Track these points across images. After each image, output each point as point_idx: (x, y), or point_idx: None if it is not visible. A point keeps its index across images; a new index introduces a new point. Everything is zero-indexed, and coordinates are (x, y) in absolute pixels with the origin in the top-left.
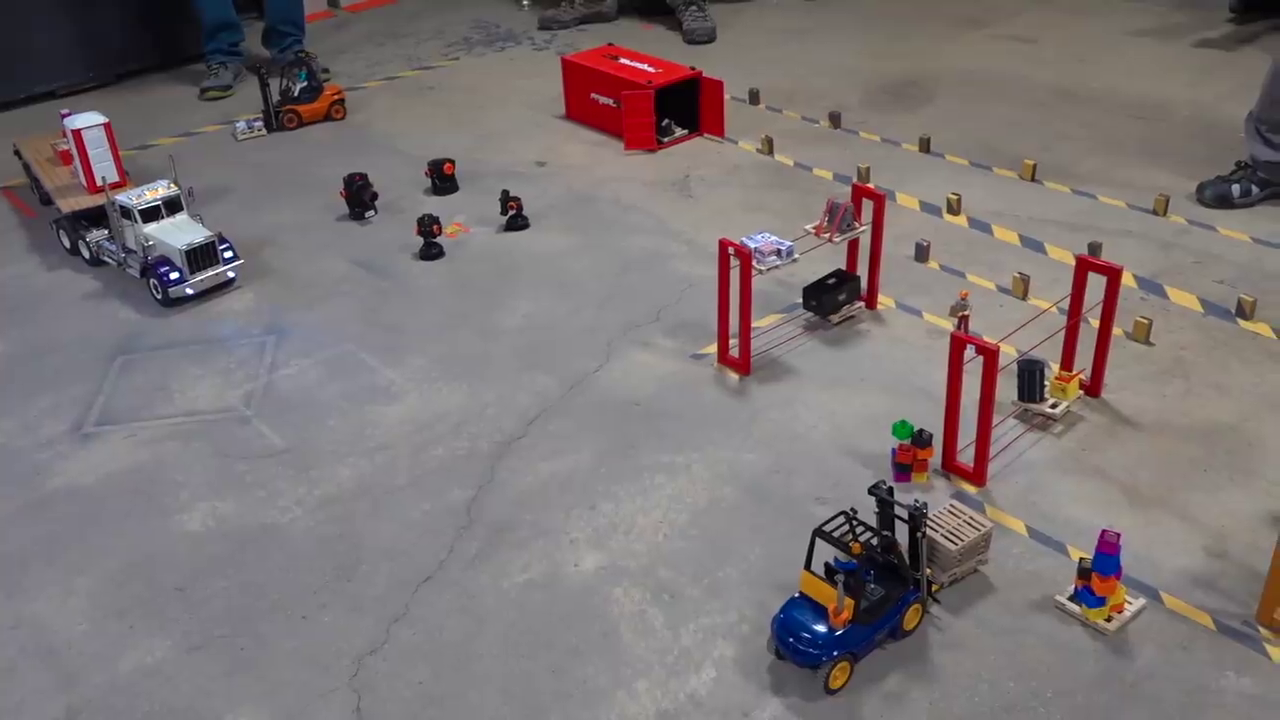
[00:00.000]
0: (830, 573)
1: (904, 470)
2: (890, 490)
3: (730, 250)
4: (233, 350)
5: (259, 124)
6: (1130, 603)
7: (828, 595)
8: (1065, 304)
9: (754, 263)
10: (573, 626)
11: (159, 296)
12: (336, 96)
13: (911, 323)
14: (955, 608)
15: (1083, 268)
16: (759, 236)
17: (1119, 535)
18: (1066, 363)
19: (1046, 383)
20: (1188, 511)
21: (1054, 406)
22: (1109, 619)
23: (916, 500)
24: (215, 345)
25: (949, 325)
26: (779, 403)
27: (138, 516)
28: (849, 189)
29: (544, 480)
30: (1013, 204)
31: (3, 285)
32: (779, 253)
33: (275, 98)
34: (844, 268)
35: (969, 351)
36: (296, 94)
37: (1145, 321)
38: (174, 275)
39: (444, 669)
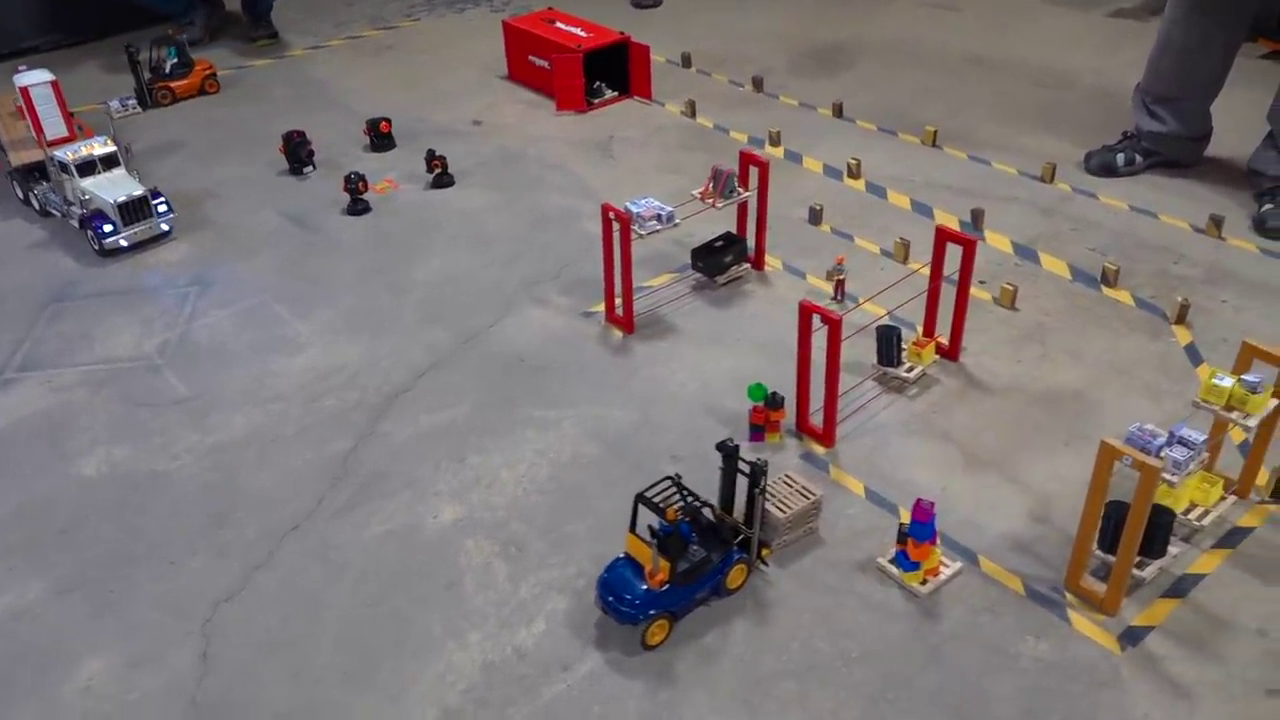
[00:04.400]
0: (654, 536)
1: (758, 431)
2: (736, 447)
3: (611, 215)
4: (157, 300)
5: (132, 102)
6: (947, 566)
7: (648, 557)
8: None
9: (634, 227)
10: (421, 577)
11: (95, 247)
12: (208, 72)
13: (794, 285)
14: (783, 566)
15: (941, 237)
16: (642, 202)
17: (933, 504)
18: (927, 328)
19: (904, 347)
20: (1019, 475)
21: (909, 370)
22: (923, 582)
23: (759, 459)
24: (142, 295)
25: (829, 288)
26: (657, 360)
27: (38, 460)
28: (757, 151)
29: (422, 433)
30: (911, 169)
31: None
32: (659, 218)
33: (147, 75)
34: (735, 230)
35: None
36: (168, 71)
37: (1011, 288)
38: (107, 228)
39: (293, 616)
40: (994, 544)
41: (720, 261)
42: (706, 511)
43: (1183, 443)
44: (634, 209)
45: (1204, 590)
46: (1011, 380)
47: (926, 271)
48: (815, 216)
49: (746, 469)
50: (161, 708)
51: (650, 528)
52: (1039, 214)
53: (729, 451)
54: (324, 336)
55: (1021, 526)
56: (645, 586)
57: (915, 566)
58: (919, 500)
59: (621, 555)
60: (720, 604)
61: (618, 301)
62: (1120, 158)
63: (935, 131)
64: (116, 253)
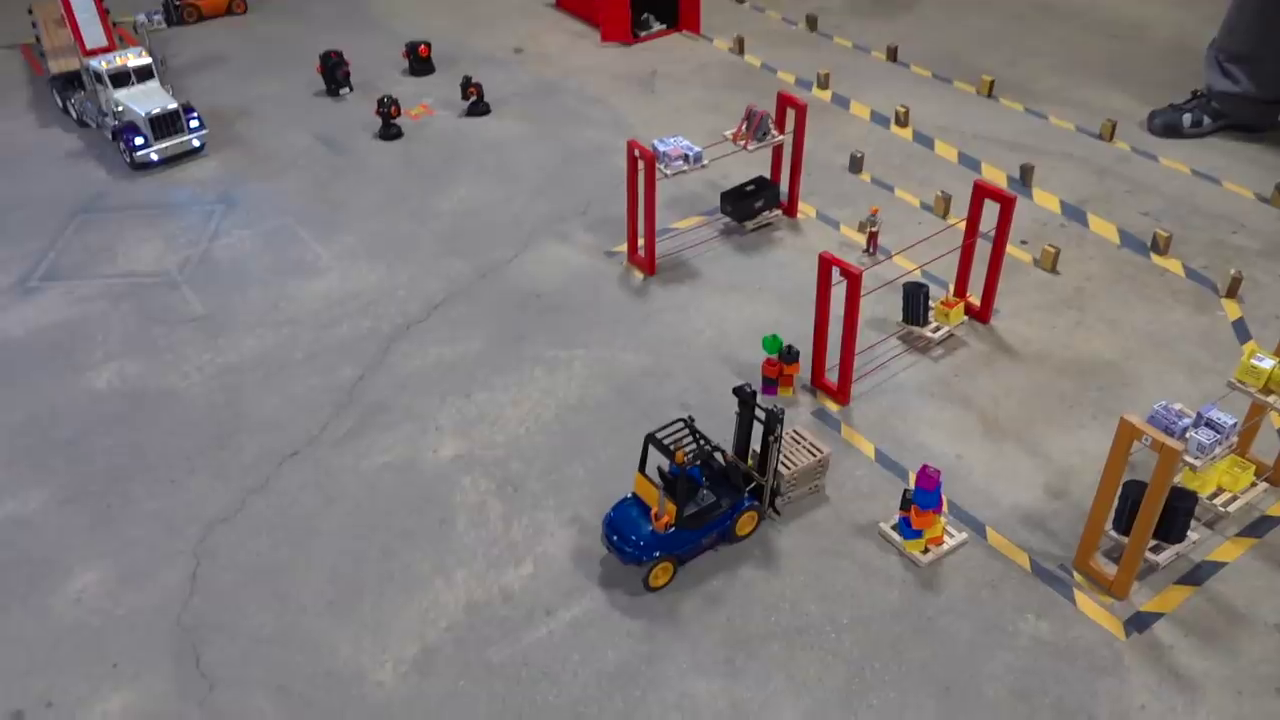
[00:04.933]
0: (662, 478)
1: (770, 384)
2: (754, 393)
3: (636, 153)
4: (183, 217)
5: (159, 16)
6: (951, 535)
7: (656, 498)
8: (986, 230)
9: (660, 166)
10: (414, 511)
11: (127, 160)
12: None
13: (826, 234)
14: (787, 523)
15: (980, 193)
16: (670, 140)
17: (939, 472)
18: (959, 287)
19: (931, 306)
20: (1040, 447)
21: (935, 330)
22: (925, 551)
23: (776, 405)
24: (169, 211)
25: (862, 240)
26: (674, 305)
27: (52, 370)
28: (805, 94)
29: (430, 365)
30: (962, 120)
31: None
32: (686, 158)
33: None
34: (769, 175)
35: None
36: None
37: (1053, 250)
38: (139, 141)
39: (283, 542)
40: (1004, 516)
41: (750, 206)
42: (718, 457)
43: (1211, 425)
44: (661, 148)
45: (1222, 580)
46: (1042, 347)
47: (964, 228)
48: (856, 164)
49: (762, 416)
50: (148, 625)
51: (659, 469)
52: (1093, 173)
53: (746, 397)
54: (343, 262)
55: (1035, 500)
56: (651, 528)
57: (917, 534)
58: (925, 467)
59: (630, 494)
60: (729, 550)
61: (640, 242)
62: (1187, 118)
63: (992, 81)
64: (147, 166)
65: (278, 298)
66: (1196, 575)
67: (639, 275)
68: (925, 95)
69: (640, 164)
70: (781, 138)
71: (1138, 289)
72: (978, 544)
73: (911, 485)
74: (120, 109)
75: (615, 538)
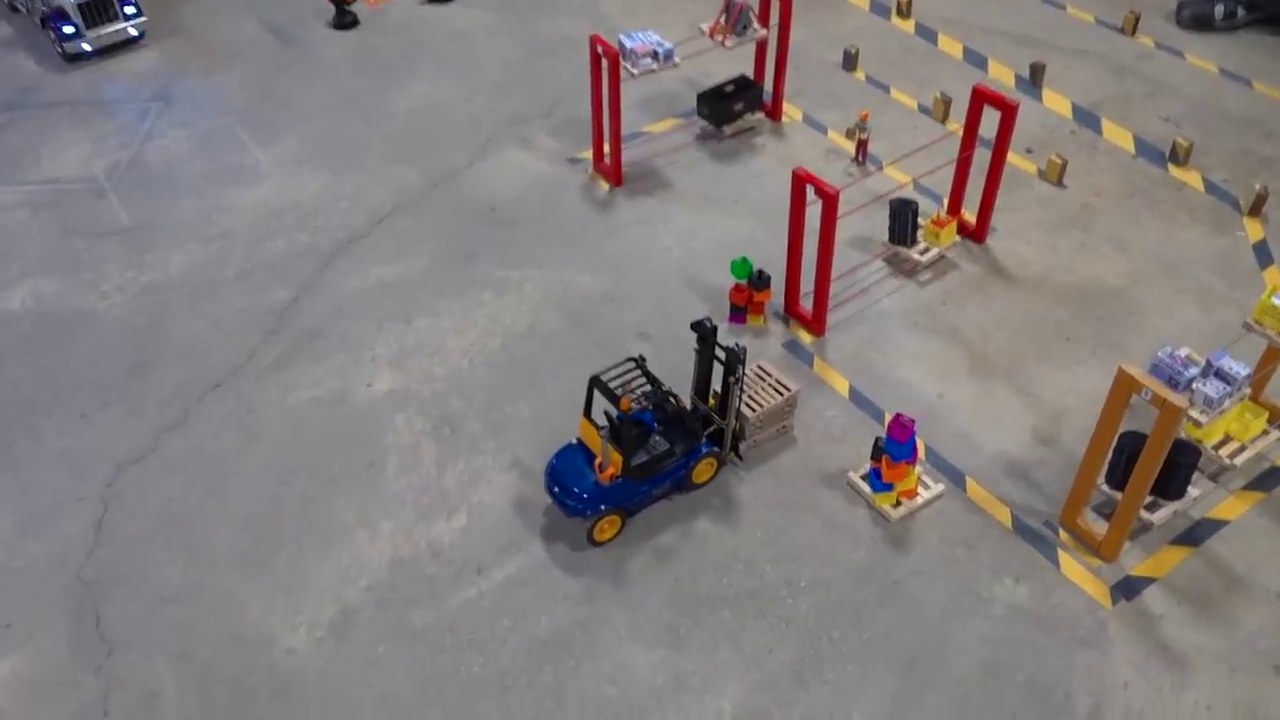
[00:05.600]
0: (611, 424)
1: (738, 312)
2: (714, 329)
3: (599, 49)
4: (116, 114)
5: None
6: (927, 487)
7: (601, 447)
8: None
9: (625, 64)
10: (342, 453)
11: (59, 51)
12: None
13: (812, 140)
14: (750, 468)
15: (978, 99)
16: (639, 35)
17: (913, 421)
18: (953, 203)
19: (920, 225)
20: (1031, 386)
21: (923, 252)
22: (896, 504)
23: (737, 344)
24: (101, 108)
25: (850, 147)
26: (641, 220)
27: None
28: None
29: (370, 287)
30: (970, 10)
31: None
32: (655, 55)
33: None
34: (753, 74)
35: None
36: None
37: (1059, 161)
38: (68, 29)
39: (198, 486)
40: (986, 464)
41: (728, 109)
42: (671, 402)
43: (1221, 376)
44: (628, 44)
45: (1223, 540)
46: (1042, 270)
47: (956, 128)
48: (850, 61)
49: (722, 356)
50: (45, 579)
51: (607, 414)
52: (1110, 72)
53: (705, 333)
54: (284, 168)
55: (1022, 446)
56: (594, 480)
57: (888, 488)
58: (898, 416)
59: (575, 440)
60: (685, 499)
61: (606, 150)
62: (1219, 9)
63: None
64: (80, 58)
65: (211, 208)
66: (1195, 535)
67: (604, 186)
68: None
69: (604, 63)
70: (764, 32)
71: (1151, 205)
72: (955, 496)
73: (885, 432)
74: None
75: (557, 488)
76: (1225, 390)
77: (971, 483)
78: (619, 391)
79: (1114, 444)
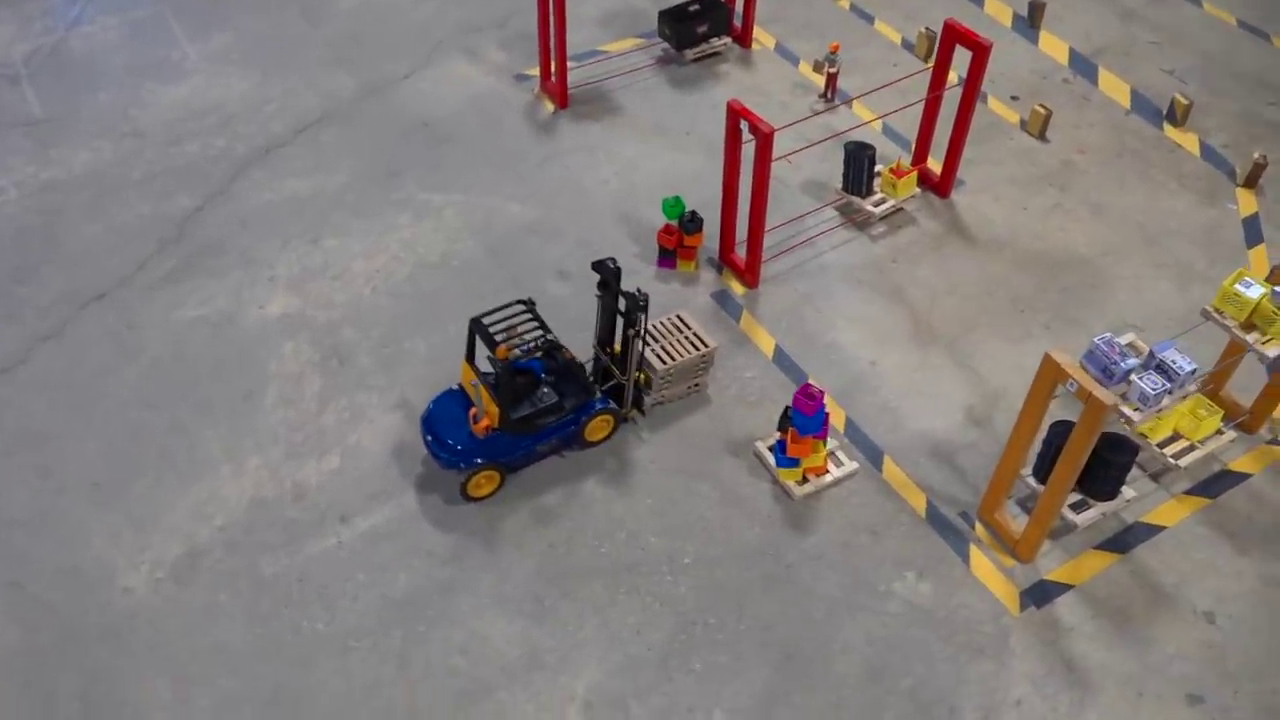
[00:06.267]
0: (494, 371)
1: (667, 256)
2: (618, 270)
3: None
4: None
5: None
6: (840, 465)
7: (483, 396)
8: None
9: None
10: (221, 378)
11: None
12: None
13: (780, 72)
14: (654, 428)
15: (950, 37)
16: None
17: (822, 393)
18: (919, 151)
19: (878, 173)
20: (973, 358)
21: (878, 204)
22: (802, 481)
23: (638, 290)
24: None
25: (819, 81)
26: (582, 146)
27: None
28: None
29: (281, 200)
30: None
31: None
32: None
33: None
34: None
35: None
36: None
37: (1043, 111)
38: None
39: (63, 404)
40: (908, 443)
41: (691, 31)
42: (559, 354)
43: (1162, 370)
44: None
45: (1155, 548)
46: (1007, 232)
47: (925, 68)
48: None
49: (623, 304)
50: None
51: (491, 359)
52: (1116, 17)
53: (607, 275)
54: (213, 64)
55: (951, 427)
56: (468, 432)
57: (794, 463)
58: (806, 385)
59: (456, 386)
60: (577, 457)
61: (554, 67)
62: None
63: None
64: None
65: (129, 103)
66: (1123, 540)
67: (549, 107)
68: None
69: None
70: None
71: (1139, 167)
72: (870, 477)
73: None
74: None
75: (430, 437)
76: (1164, 387)
77: (889, 463)
78: (500, 337)
79: (1045, 434)
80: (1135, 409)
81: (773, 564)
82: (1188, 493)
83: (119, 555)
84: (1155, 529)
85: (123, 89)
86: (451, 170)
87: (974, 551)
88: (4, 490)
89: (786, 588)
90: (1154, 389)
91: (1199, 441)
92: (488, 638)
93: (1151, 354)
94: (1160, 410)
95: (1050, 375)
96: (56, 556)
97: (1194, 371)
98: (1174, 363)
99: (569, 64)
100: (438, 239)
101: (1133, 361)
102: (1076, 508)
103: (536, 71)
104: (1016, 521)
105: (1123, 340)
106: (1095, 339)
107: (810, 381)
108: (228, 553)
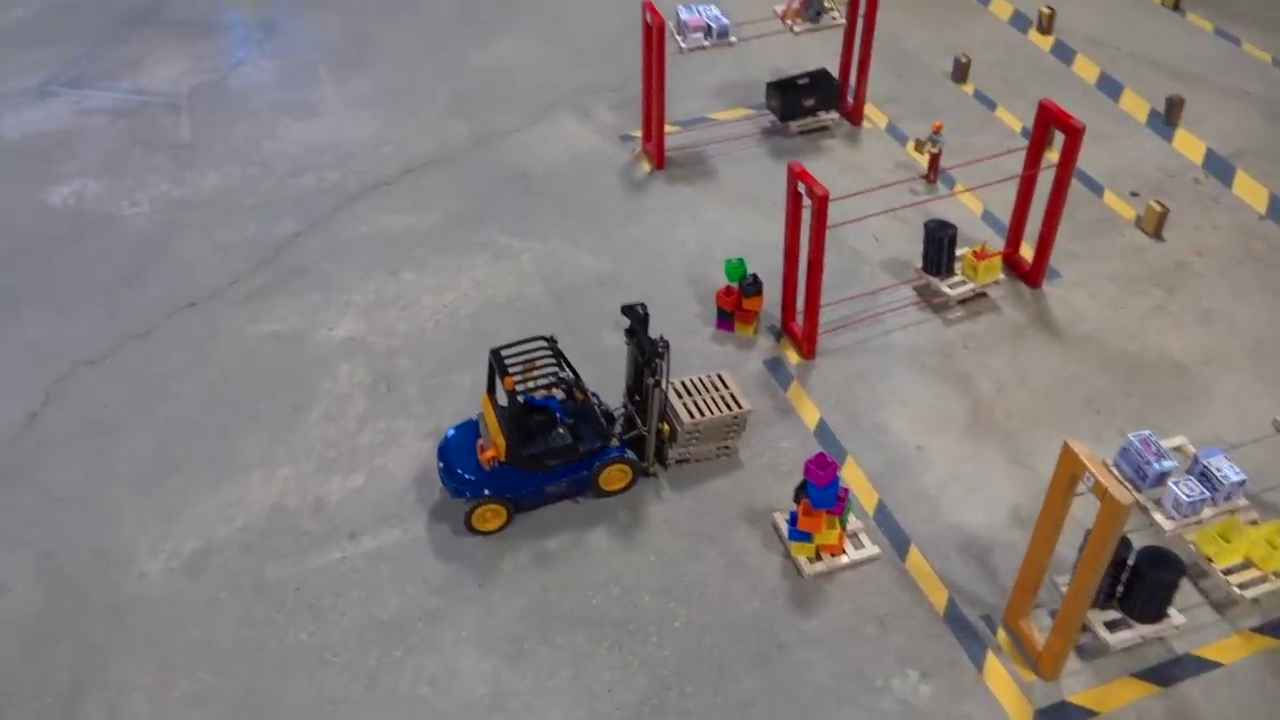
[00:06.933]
0: (511, 406)
1: (725, 318)
2: (645, 317)
3: (647, 17)
4: (221, 39)
5: None
6: (860, 546)
7: (495, 428)
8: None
9: (676, 37)
10: (276, 390)
11: None
12: None
13: (887, 150)
14: (677, 486)
15: (1044, 117)
16: (696, 8)
17: (835, 465)
18: (1013, 235)
19: (959, 255)
20: (1032, 457)
21: (955, 286)
22: (815, 558)
23: (660, 336)
24: (212, 30)
25: (922, 161)
26: (668, 207)
27: (22, 178)
28: None
29: (374, 233)
30: (1123, 33)
31: None
32: (708, 30)
33: None
34: (839, 68)
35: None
36: None
37: (1159, 208)
38: None
39: (134, 399)
40: (940, 535)
41: (797, 102)
42: (608, 400)
43: (1205, 478)
44: (683, 15)
45: (1204, 686)
46: (1096, 329)
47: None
48: (960, 71)
49: (645, 348)
50: None
51: (509, 394)
52: (1265, 119)
53: (635, 319)
54: (346, 107)
55: (992, 523)
56: (476, 462)
57: (806, 537)
58: (820, 455)
59: (475, 417)
60: (592, 505)
61: (653, 129)
62: None
63: None
64: None
65: (263, 136)
66: (1168, 672)
67: (645, 167)
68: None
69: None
70: (840, 21)
71: (1262, 277)
72: (890, 564)
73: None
74: None
75: (442, 464)
76: (1203, 496)
77: (915, 553)
78: (514, 370)
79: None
80: (1169, 517)
81: (766, 640)
82: (1255, 630)
83: (143, 542)
84: (1209, 664)
85: (262, 123)
86: (537, 218)
87: (990, 658)
88: (63, 469)
89: (775, 667)
90: (1190, 496)
91: (1273, 573)
92: (458, 671)
93: (1196, 460)
94: (1200, 522)
95: (1068, 467)
96: (90, 535)
97: (1242, 483)
98: (1219, 471)
99: (675, 128)
100: (508, 281)
101: (1169, 464)
102: (1113, 626)
103: (639, 133)
104: (1044, 633)
105: (1169, 443)
106: (1130, 435)
107: (822, 452)
108: (239, 553)
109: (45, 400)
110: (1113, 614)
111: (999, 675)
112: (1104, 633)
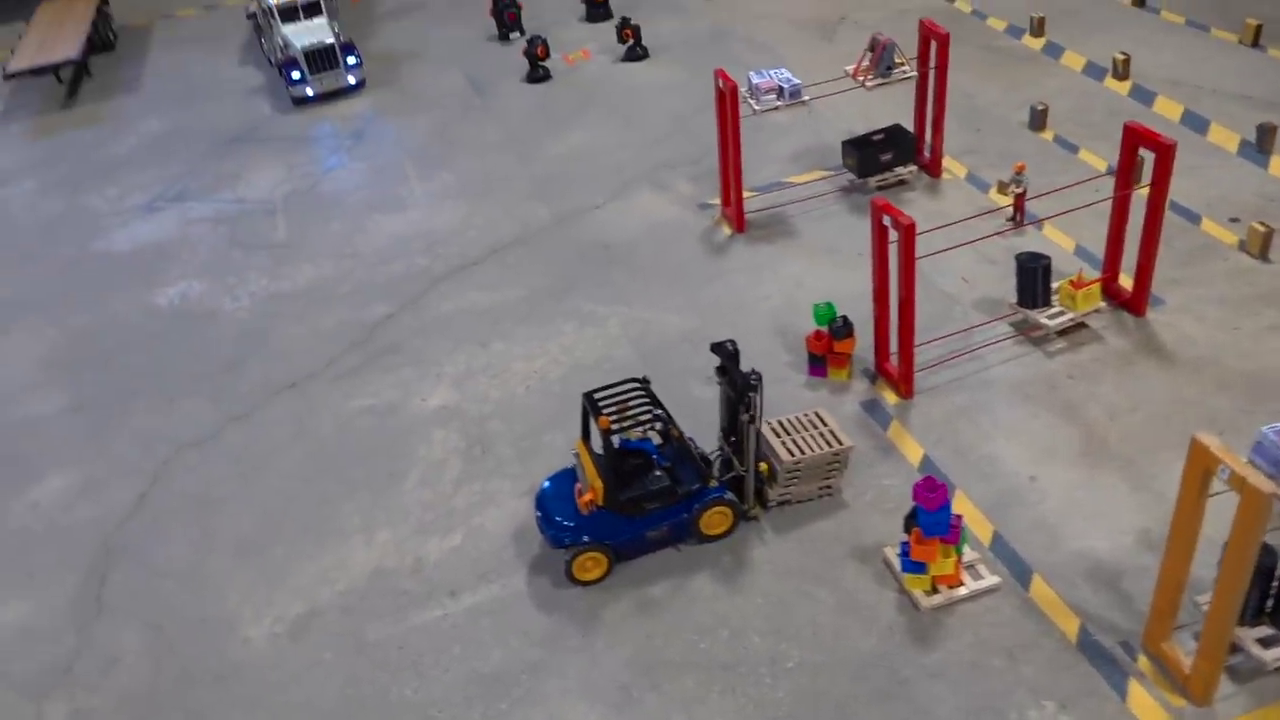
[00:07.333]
0: (606, 451)
1: (818, 363)
2: (736, 354)
3: (720, 83)
4: (313, 149)
5: None
6: (979, 578)
7: (591, 473)
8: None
9: (748, 100)
10: (372, 459)
11: (289, 95)
12: None
13: (967, 197)
14: (780, 530)
15: (1130, 139)
16: (767, 72)
17: (944, 488)
18: (1109, 262)
19: (1054, 286)
20: (1155, 481)
21: (1053, 317)
22: (932, 591)
23: (753, 370)
24: (303, 143)
25: (1006, 202)
26: (750, 266)
27: (132, 284)
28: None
29: (462, 309)
30: (1203, 72)
31: (199, 74)
32: (780, 91)
33: None
34: (914, 124)
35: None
36: None
37: (1263, 229)
38: (295, 75)
39: (236, 475)
40: (1064, 563)
41: (874, 158)
42: (695, 440)
43: None
44: (754, 79)
45: None
46: (1210, 352)
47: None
48: (1037, 119)
49: (737, 383)
50: (79, 539)
51: (607, 439)
52: None
53: (725, 357)
54: (432, 200)
55: (1118, 549)
56: (574, 508)
57: (920, 568)
58: (928, 478)
59: (572, 464)
60: (694, 551)
61: (732, 194)
62: None
63: (1259, 27)
64: (305, 102)
65: (354, 230)
66: None
67: (726, 231)
68: (1164, 44)
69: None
70: (911, 73)
71: None
72: (1013, 594)
73: (913, 497)
74: (284, 44)
75: (540, 513)
76: None
77: (1039, 581)
78: (608, 412)
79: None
80: None
81: (885, 677)
82: None
83: (247, 609)
84: None
85: (353, 219)
86: (621, 286)
87: (1133, 686)
88: (170, 545)
89: (898, 703)
90: None
91: None
92: None
93: None
94: None
95: (1200, 463)
96: (195, 605)
97: None
98: None
99: (753, 193)
100: (595, 345)
101: None
102: (1268, 643)
103: (718, 200)
104: (1189, 657)
105: None
106: (1263, 428)
107: (929, 475)
108: (341, 615)
109: (153, 482)
110: (1265, 629)
111: (1144, 702)
112: (1257, 650)
